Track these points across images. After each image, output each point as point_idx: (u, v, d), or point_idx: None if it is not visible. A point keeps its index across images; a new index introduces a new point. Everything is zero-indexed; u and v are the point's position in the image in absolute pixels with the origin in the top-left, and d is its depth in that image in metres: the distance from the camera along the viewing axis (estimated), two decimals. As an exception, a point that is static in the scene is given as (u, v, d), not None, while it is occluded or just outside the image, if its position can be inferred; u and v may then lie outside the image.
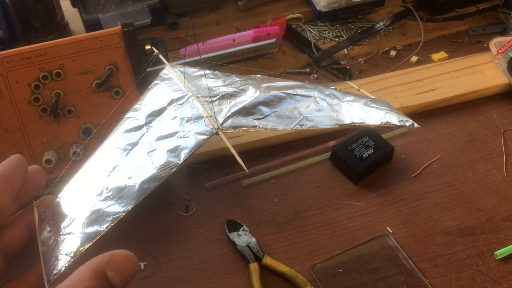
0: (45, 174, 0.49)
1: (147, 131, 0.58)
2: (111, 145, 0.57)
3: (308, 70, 0.90)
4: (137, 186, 0.53)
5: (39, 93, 0.64)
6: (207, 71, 0.66)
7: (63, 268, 0.46)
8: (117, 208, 0.51)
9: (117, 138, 0.58)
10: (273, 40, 0.90)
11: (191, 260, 0.64)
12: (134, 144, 0.57)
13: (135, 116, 0.60)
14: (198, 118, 0.56)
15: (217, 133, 0.55)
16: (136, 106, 0.61)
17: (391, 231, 0.65)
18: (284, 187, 0.72)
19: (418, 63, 0.91)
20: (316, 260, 0.63)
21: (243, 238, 0.65)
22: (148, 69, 0.65)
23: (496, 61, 0.85)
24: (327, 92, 0.66)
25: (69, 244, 0.48)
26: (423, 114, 0.81)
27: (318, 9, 0.97)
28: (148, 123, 0.59)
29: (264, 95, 0.61)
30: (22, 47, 0.62)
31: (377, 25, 0.98)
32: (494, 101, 0.82)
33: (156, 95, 0.62)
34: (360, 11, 1.00)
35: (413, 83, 0.84)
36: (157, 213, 0.69)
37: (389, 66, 0.90)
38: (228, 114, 0.57)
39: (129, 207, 0.51)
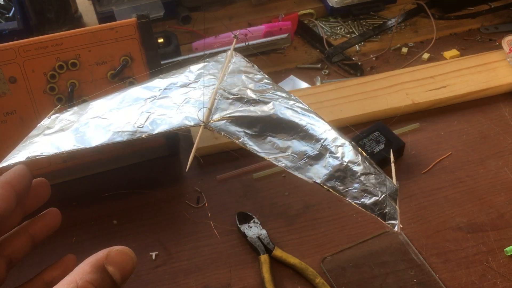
0: (50, 187, 0.49)
1: (159, 95, 0.58)
2: (127, 91, 0.59)
3: (319, 65, 0.91)
4: (111, 132, 0.53)
5: (55, 82, 0.64)
6: (253, 72, 0.63)
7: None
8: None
9: (137, 88, 0.59)
10: (285, 35, 0.90)
11: (201, 251, 0.64)
12: (142, 100, 0.57)
13: (164, 78, 0.61)
14: (199, 104, 0.56)
15: (205, 126, 0.53)
16: (175, 71, 0.62)
17: (401, 226, 0.65)
18: (295, 181, 0.72)
19: (429, 60, 0.91)
20: (326, 253, 0.63)
21: (253, 230, 0.65)
22: (163, 62, 0.66)
23: (508, 59, 0.85)
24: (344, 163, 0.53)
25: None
26: (434, 110, 0.81)
27: (330, 5, 0.97)
28: (167, 88, 0.59)
29: (275, 117, 0.56)
30: (39, 37, 0.63)
31: (389, 22, 0.98)
32: (505, 99, 0.82)
33: (194, 69, 0.62)
34: (372, 7, 1.00)
35: (425, 80, 0.84)
36: (168, 204, 0.70)
37: (401, 63, 0.91)
38: (227, 116, 0.55)
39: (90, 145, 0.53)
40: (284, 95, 0.59)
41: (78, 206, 0.70)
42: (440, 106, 0.81)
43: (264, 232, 0.65)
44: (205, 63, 0.63)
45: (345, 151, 0.52)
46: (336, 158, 0.52)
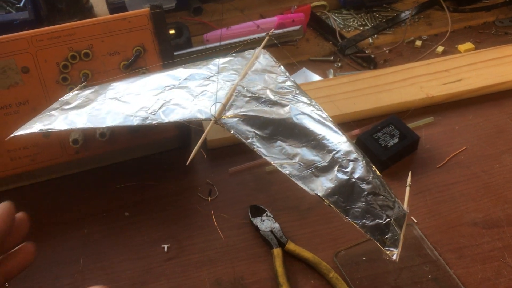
0: (30, 222, 0.47)
1: (178, 84, 0.58)
2: (150, 76, 0.59)
3: (332, 58, 0.90)
4: (123, 115, 0.54)
5: (67, 72, 0.64)
6: (277, 72, 0.62)
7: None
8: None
9: (159, 74, 0.59)
10: (297, 27, 0.89)
11: (213, 244, 0.64)
12: (161, 87, 0.57)
13: (188, 67, 0.60)
14: (214, 99, 0.55)
15: (215, 122, 0.53)
16: (200, 62, 0.62)
17: (415, 221, 0.65)
18: (308, 174, 0.71)
19: (444, 53, 0.90)
20: (340, 248, 0.62)
21: (266, 224, 0.65)
22: (176, 53, 0.65)
23: (524, 53, 0.84)
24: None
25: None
26: (449, 104, 0.80)
27: (343, -4, 0.96)
28: (187, 78, 0.59)
29: (290, 121, 0.55)
30: (51, 26, 0.62)
31: (403, 15, 0.96)
32: (522, 93, 0.81)
33: (219, 62, 0.61)
34: (385, 0, 0.98)
35: (439, 73, 0.83)
36: (180, 196, 0.69)
37: (415, 56, 0.89)
38: (240, 113, 0.54)
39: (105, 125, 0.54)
40: (305, 100, 0.57)
41: (89, 197, 0.69)
42: (455, 100, 0.80)
43: (277, 225, 0.64)
44: (231, 58, 0.62)
45: (356, 167, 0.50)
46: (345, 173, 0.50)
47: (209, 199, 0.69)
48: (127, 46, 0.65)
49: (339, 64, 0.89)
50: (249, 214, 0.66)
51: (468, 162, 0.72)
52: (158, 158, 0.74)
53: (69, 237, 0.65)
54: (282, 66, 0.63)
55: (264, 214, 0.66)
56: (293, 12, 0.93)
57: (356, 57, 0.89)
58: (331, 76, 0.86)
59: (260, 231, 0.64)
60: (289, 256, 0.62)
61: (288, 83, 0.60)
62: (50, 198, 0.70)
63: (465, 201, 0.67)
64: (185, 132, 0.71)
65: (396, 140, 0.71)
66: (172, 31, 0.87)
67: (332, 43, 0.92)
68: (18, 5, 0.98)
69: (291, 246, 0.62)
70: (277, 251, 0.61)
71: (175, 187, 0.71)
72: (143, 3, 0.85)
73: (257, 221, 0.65)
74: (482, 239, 0.63)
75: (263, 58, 0.63)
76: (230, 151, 0.75)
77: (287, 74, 0.61)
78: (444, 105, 0.80)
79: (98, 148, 0.67)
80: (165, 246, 0.64)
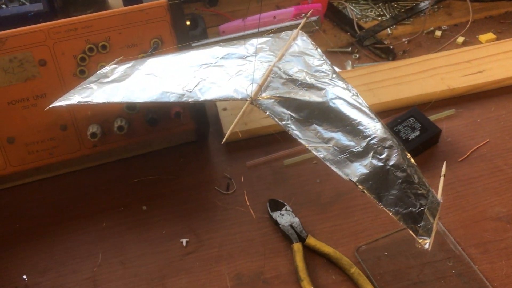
0: None
1: (215, 62, 0.58)
2: (187, 53, 0.60)
3: (349, 49, 0.88)
4: (160, 91, 0.54)
5: (85, 65, 0.63)
6: (314, 55, 0.61)
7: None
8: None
9: (196, 52, 0.60)
10: (314, 18, 0.87)
11: (233, 238, 0.63)
12: (198, 65, 0.58)
13: (224, 46, 0.60)
14: (250, 79, 0.54)
15: (251, 102, 0.53)
16: (236, 42, 0.61)
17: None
18: (326, 168, 0.68)
19: (464, 44, 0.88)
20: (361, 242, 0.62)
21: (286, 218, 0.64)
22: (193, 44, 0.64)
23: (548, 43, 0.82)
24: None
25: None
26: (470, 96, 0.78)
27: (361, -14, 0.94)
28: (224, 57, 0.58)
29: (325, 105, 0.54)
30: (69, 18, 0.62)
31: (422, 4, 0.95)
32: (545, 85, 0.79)
33: (256, 42, 0.61)
34: (404, -11, 0.97)
35: (460, 64, 0.81)
36: (198, 190, 0.69)
37: (434, 46, 0.88)
38: (276, 95, 0.54)
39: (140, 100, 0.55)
40: (341, 84, 0.56)
41: (107, 191, 0.69)
42: (477, 91, 0.78)
43: (296, 220, 0.63)
44: (268, 39, 0.61)
45: (392, 154, 0.50)
46: (380, 159, 0.49)
47: (228, 193, 0.68)
48: (145, 38, 0.64)
49: (357, 56, 0.87)
50: (268, 208, 0.65)
51: (490, 156, 0.70)
52: (174, 152, 0.74)
53: (88, 231, 0.65)
54: (319, 49, 0.62)
55: (284, 208, 0.65)
56: (310, 2, 0.92)
57: (374, 48, 0.87)
58: (349, 68, 0.85)
59: (280, 226, 0.63)
60: (309, 251, 0.61)
61: (325, 66, 0.59)
62: (68, 192, 0.69)
63: (489, 195, 0.66)
64: (202, 125, 0.70)
65: (417, 133, 0.70)
66: (187, 23, 0.86)
67: (349, 34, 0.91)
68: (32, -3, 0.97)
69: (311, 240, 0.61)
70: (297, 246, 0.61)
71: (193, 181, 0.70)
72: (158, -6, 0.84)
73: (276, 215, 0.64)
74: (507, 233, 0.62)
75: (300, 40, 0.62)
76: (247, 145, 0.74)
77: (324, 57, 0.60)
78: (465, 97, 0.78)
79: (116, 141, 0.67)
80: (184, 241, 0.63)
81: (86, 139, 0.65)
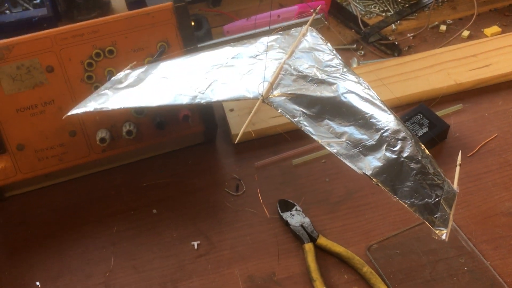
0: None
1: (226, 63, 0.58)
2: (198, 55, 0.60)
3: (354, 46, 0.88)
4: (174, 94, 0.55)
5: (92, 71, 0.63)
6: (324, 50, 0.61)
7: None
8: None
9: (207, 53, 0.60)
10: (318, 15, 0.87)
11: (244, 240, 0.63)
12: (209, 66, 0.58)
13: (235, 46, 0.61)
14: (261, 77, 0.54)
15: (263, 100, 0.53)
16: (247, 41, 0.62)
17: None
18: (335, 166, 0.70)
19: (470, 38, 0.87)
20: (372, 241, 0.62)
21: (296, 218, 0.64)
22: (199, 45, 0.64)
23: (555, 35, 0.81)
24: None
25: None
26: (477, 90, 0.78)
27: (364, -18, 0.94)
28: (234, 57, 0.59)
29: (337, 100, 0.54)
30: (75, 24, 0.62)
31: (426, -1, 0.94)
32: (553, 77, 0.79)
33: (266, 40, 0.61)
34: (407, -16, 0.96)
35: (467, 58, 0.81)
36: (207, 192, 0.69)
37: (439, 41, 0.87)
38: (287, 92, 0.54)
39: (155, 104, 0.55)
40: (352, 78, 0.56)
41: (117, 196, 0.69)
42: (484, 85, 0.78)
43: (307, 220, 0.63)
44: (278, 36, 0.61)
45: (405, 146, 0.49)
46: (394, 152, 0.49)
47: (237, 194, 0.68)
48: (151, 41, 0.64)
49: (362, 52, 0.87)
50: (278, 209, 0.65)
51: (500, 150, 0.70)
52: (183, 154, 0.74)
53: (99, 235, 0.65)
54: (329, 44, 0.62)
55: (294, 209, 0.65)
56: (314, 0, 0.91)
57: (379, 44, 0.87)
58: (355, 65, 0.84)
59: (291, 226, 0.63)
60: (320, 251, 0.61)
61: (336, 61, 0.59)
62: (78, 197, 0.69)
63: (499, 190, 0.65)
64: (210, 126, 0.70)
65: (425, 129, 0.70)
66: (191, 23, 0.86)
67: (354, 30, 0.90)
68: (35, 2, 0.97)
69: (322, 240, 0.61)
70: (308, 246, 0.61)
71: (202, 183, 0.70)
72: (162, -3, 0.84)
73: (286, 216, 0.64)
74: (518, 229, 0.62)
75: (310, 36, 0.62)
76: (254, 145, 0.74)
77: (334, 52, 0.60)
78: (472, 91, 0.78)
79: (124, 146, 0.67)
80: (195, 243, 0.63)
81: (95, 144, 0.65)
